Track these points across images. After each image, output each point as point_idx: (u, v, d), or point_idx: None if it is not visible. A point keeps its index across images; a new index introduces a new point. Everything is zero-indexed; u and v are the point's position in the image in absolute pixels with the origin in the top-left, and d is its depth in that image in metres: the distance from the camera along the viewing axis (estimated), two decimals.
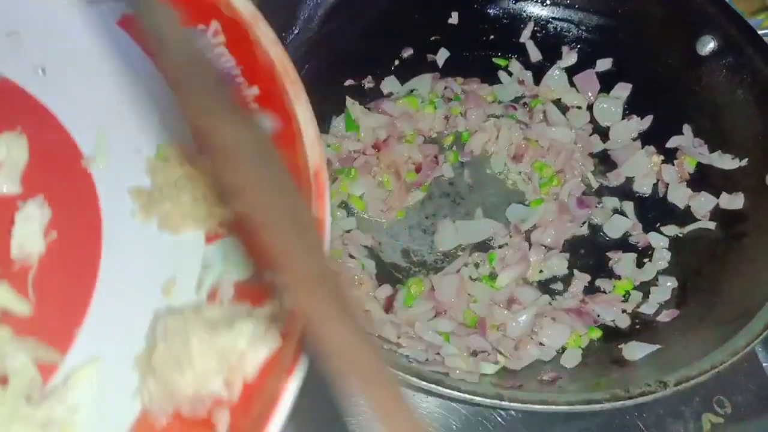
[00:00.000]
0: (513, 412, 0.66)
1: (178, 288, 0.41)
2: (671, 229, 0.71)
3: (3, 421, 0.36)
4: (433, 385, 0.50)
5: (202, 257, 0.42)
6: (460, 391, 0.50)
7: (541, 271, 0.68)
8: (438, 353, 0.60)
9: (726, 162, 0.71)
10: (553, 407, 0.50)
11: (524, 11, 0.81)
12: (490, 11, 0.82)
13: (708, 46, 0.73)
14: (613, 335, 0.65)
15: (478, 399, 0.50)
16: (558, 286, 0.69)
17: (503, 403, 0.50)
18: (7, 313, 0.40)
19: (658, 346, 0.60)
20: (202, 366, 0.35)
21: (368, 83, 0.78)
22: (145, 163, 0.45)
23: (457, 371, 0.56)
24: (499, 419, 0.66)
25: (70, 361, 0.39)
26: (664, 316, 0.64)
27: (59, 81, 0.47)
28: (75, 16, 0.48)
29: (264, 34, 0.41)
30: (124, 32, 0.47)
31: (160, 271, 0.42)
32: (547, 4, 0.81)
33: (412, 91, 0.79)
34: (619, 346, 0.62)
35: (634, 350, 0.61)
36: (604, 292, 0.68)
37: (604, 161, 0.76)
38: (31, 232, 0.42)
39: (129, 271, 0.42)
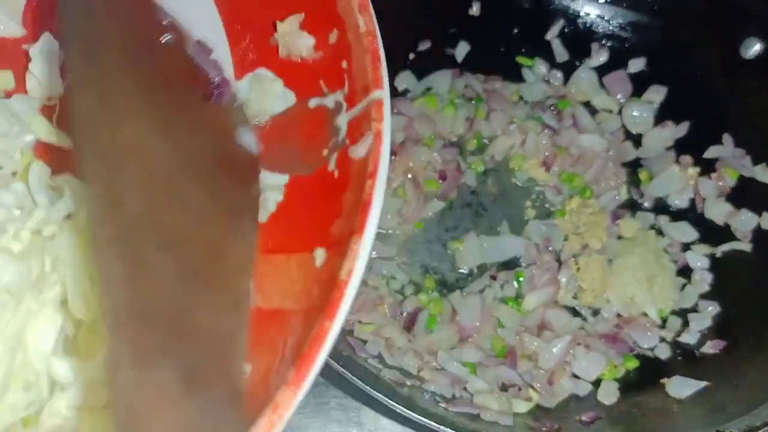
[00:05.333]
0: None
1: None
2: (702, 248, 0.65)
3: None
4: None
5: None
6: None
7: (574, 297, 0.62)
8: (465, 388, 0.54)
9: None
10: None
11: (552, 3, 0.74)
12: (515, 2, 0.74)
13: (753, 48, 0.67)
14: (652, 367, 0.59)
15: None
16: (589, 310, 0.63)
17: None
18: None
19: (705, 383, 0.55)
20: None
21: None
22: None
23: (488, 413, 0.50)
24: None
25: None
26: (709, 347, 0.59)
27: None
28: None
29: None
30: None
31: None
32: None
33: (429, 89, 0.72)
34: (662, 381, 0.57)
35: (680, 387, 0.55)
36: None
37: (637, 171, 0.70)
38: (50, 70, 0.44)
39: None
